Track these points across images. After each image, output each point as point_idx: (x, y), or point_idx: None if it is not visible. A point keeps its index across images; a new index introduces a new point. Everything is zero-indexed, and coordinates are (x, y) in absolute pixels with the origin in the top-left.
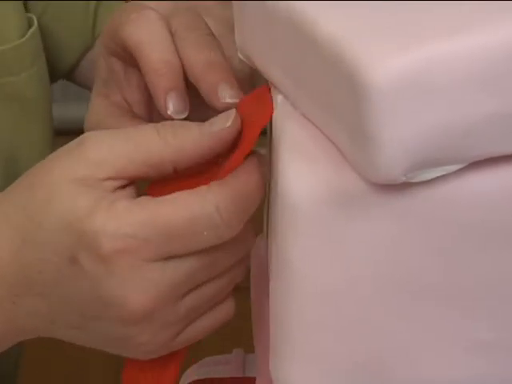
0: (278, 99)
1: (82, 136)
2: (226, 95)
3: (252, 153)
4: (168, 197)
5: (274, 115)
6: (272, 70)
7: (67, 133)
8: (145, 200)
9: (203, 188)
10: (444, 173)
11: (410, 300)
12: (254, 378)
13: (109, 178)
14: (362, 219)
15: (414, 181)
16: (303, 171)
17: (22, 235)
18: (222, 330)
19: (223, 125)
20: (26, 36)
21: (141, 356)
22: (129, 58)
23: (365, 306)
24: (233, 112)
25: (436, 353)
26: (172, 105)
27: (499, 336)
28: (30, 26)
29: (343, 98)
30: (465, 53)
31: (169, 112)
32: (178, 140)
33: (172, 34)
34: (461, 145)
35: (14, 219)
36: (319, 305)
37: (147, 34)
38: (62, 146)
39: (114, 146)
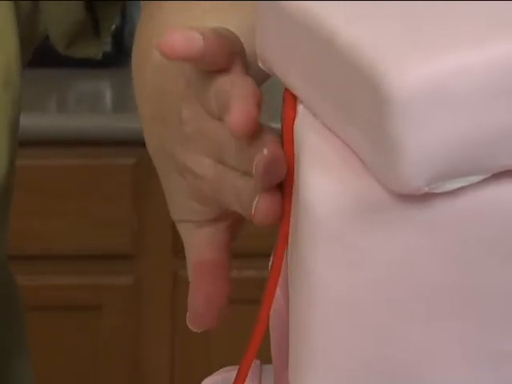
0: (299, 109)
1: None
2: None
3: None
4: None
5: (296, 125)
6: (292, 78)
7: (81, 143)
8: None
9: None
10: (467, 183)
11: (433, 310)
12: None
13: None
14: (384, 229)
15: (436, 191)
16: (325, 182)
17: None
18: (238, 341)
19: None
20: None
21: None
22: None
23: (387, 316)
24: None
25: (460, 362)
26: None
27: None
28: None
29: (365, 107)
30: (487, 63)
31: None
32: None
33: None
34: (483, 155)
35: None
36: (340, 314)
37: None
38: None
39: None
